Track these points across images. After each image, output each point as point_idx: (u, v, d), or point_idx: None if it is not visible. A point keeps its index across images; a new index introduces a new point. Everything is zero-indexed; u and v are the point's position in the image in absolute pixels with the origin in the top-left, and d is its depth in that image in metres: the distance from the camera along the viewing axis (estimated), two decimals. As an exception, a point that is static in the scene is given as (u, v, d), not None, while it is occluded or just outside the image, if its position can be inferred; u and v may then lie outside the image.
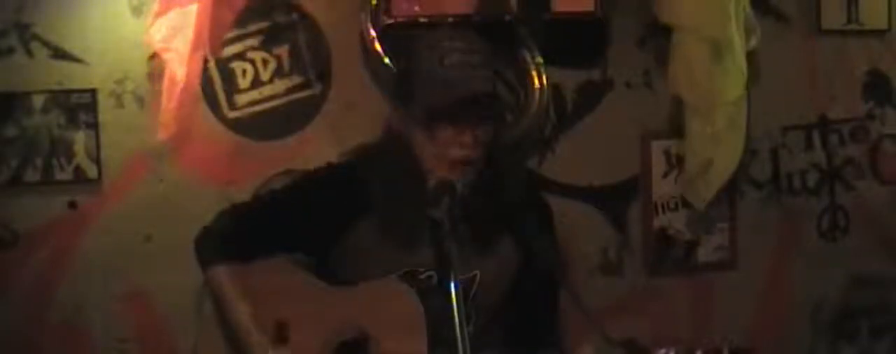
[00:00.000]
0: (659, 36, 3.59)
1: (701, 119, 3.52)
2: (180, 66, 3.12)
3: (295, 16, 3.33)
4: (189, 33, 3.12)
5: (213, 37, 3.22)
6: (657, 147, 3.70)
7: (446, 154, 2.39)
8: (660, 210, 3.72)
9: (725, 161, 3.57)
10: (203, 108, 3.28)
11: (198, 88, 3.23)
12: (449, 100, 2.36)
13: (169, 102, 3.14)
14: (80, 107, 3.17)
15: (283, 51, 3.34)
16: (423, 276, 2.47)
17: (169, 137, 3.18)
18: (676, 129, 3.66)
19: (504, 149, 2.52)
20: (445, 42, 2.44)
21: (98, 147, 3.20)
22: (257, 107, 3.33)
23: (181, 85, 3.13)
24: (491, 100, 2.42)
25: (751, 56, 3.58)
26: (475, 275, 2.50)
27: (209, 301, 2.58)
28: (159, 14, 3.12)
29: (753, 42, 3.56)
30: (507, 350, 2.56)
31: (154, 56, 3.20)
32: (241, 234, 2.54)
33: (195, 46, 3.15)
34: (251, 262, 2.52)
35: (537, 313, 2.58)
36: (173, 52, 3.12)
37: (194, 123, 3.27)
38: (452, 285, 2.12)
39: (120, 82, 3.21)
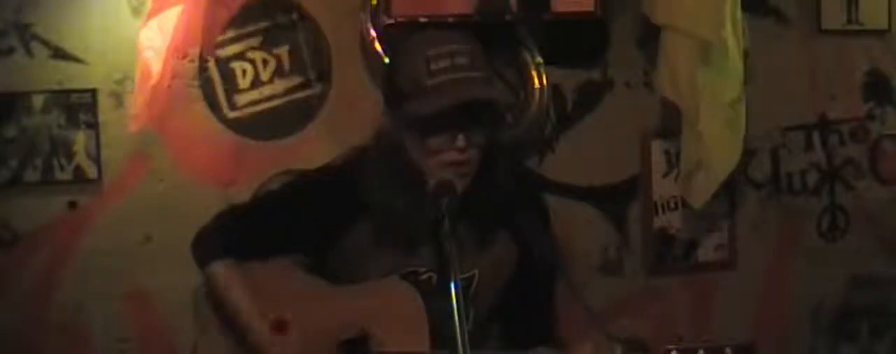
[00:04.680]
0: (659, 36, 3.59)
1: (688, 120, 3.52)
2: (156, 63, 3.11)
3: (295, 16, 3.33)
4: (169, 33, 3.12)
5: (209, 36, 3.22)
6: (657, 147, 3.70)
7: (440, 159, 2.37)
8: (660, 210, 3.72)
9: (722, 162, 3.56)
10: (203, 108, 3.28)
11: (167, 86, 3.18)
12: (438, 110, 2.32)
13: (139, 95, 3.12)
14: (80, 107, 3.17)
15: (283, 51, 3.34)
16: (423, 277, 2.47)
17: (138, 130, 3.15)
18: (677, 129, 3.65)
19: (500, 147, 2.50)
20: (431, 47, 2.37)
21: (98, 147, 3.20)
22: (257, 107, 3.33)
23: (154, 81, 3.11)
24: (483, 105, 2.39)
25: (753, 55, 3.58)
26: (474, 275, 2.50)
27: (208, 302, 2.57)
28: (151, 15, 3.12)
29: (744, 43, 3.56)
30: (506, 347, 2.55)
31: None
32: (238, 235, 2.54)
33: (175, 46, 3.14)
34: (249, 262, 2.52)
35: (535, 310, 2.58)
36: (153, 49, 3.11)
37: (194, 123, 3.27)
38: (453, 285, 2.12)
39: (120, 82, 3.21)
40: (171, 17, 3.12)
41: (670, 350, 2.23)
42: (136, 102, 3.14)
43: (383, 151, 2.45)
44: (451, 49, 2.36)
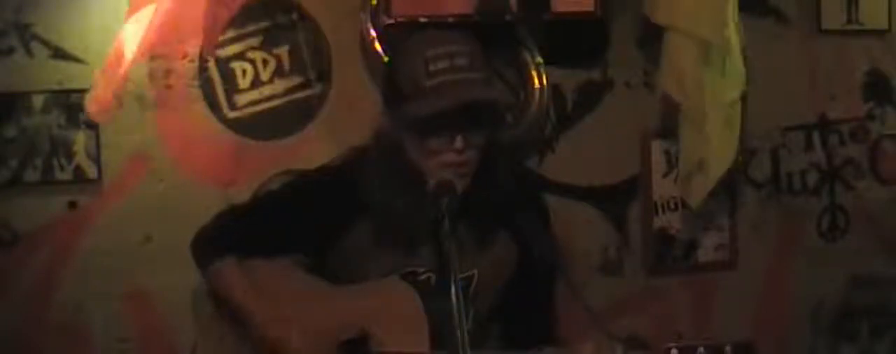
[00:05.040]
0: (659, 36, 3.59)
1: (690, 120, 3.52)
2: (129, 53, 3.10)
3: (295, 16, 3.34)
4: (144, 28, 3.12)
5: (209, 36, 3.22)
6: (657, 147, 3.70)
7: (439, 160, 2.37)
8: (660, 210, 3.72)
9: (719, 162, 3.56)
10: (203, 108, 3.28)
11: (124, 80, 3.16)
12: (438, 111, 2.32)
13: (105, 78, 3.10)
14: (80, 107, 3.17)
15: (283, 51, 3.34)
16: (422, 277, 2.47)
17: (95, 114, 3.12)
18: (676, 129, 3.65)
19: (500, 147, 2.50)
20: (430, 47, 2.37)
21: (98, 147, 3.20)
22: (257, 107, 3.33)
23: (122, 70, 3.10)
24: (482, 106, 2.39)
25: (752, 55, 3.58)
26: (473, 275, 2.50)
27: (207, 303, 2.57)
28: (132, 10, 3.12)
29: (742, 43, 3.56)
30: (506, 347, 2.56)
31: (154, 57, 3.20)
32: (238, 235, 2.54)
33: (150, 41, 3.13)
34: (249, 262, 2.51)
35: (536, 310, 2.58)
36: (130, 41, 3.11)
37: (194, 123, 3.27)
38: (453, 286, 2.12)
39: (120, 82, 3.21)
40: (147, 14, 3.12)
41: (670, 349, 2.23)
42: (98, 84, 3.11)
43: (382, 151, 2.46)
44: (451, 50, 2.36)
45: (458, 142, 2.34)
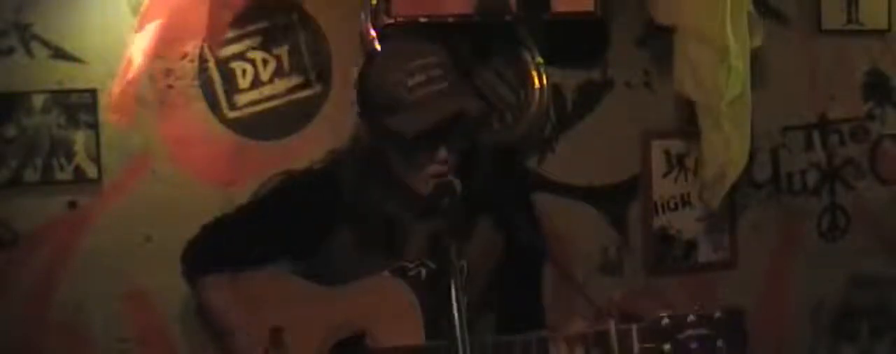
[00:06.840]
0: (659, 36, 3.59)
1: (712, 120, 3.51)
2: (140, 62, 3.13)
3: (295, 16, 3.34)
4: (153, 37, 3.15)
5: (213, 37, 3.23)
6: (657, 147, 3.70)
7: (423, 171, 2.37)
8: (660, 210, 3.72)
9: (735, 161, 3.56)
10: (203, 108, 3.29)
11: (168, 86, 3.22)
12: (423, 128, 2.33)
13: (118, 89, 3.14)
14: (80, 107, 3.17)
15: (283, 51, 3.34)
16: (412, 272, 2.48)
17: (116, 120, 3.17)
18: (677, 129, 3.66)
19: (480, 140, 2.50)
20: (406, 61, 2.36)
21: (98, 147, 3.20)
22: (257, 107, 3.33)
23: (130, 77, 3.13)
24: (465, 118, 2.38)
25: (754, 55, 3.58)
26: (462, 265, 2.50)
27: (196, 316, 2.57)
28: (145, 19, 3.13)
29: (757, 41, 3.55)
30: (498, 331, 2.56)
31: (154, 57, 3.21)
32: (227, 245, 2.53)
33: (155, 48, 3.16)
34: (239, 272, 2.51)
35: (525, 291, 2.58)
36: (140, 50, 3.14)
37: (194, 123, 3.27)
38: (453, 287, 2.13)
39: (120, 82, 3.22)
40: (161, 23, 3.14)
41: (662, 318, 2.27)
42: (114, 93, 3.15)
43: (361, 155, 2.46)
44: (426, 61, 2.36)
45: (442, 154, 2.34)
